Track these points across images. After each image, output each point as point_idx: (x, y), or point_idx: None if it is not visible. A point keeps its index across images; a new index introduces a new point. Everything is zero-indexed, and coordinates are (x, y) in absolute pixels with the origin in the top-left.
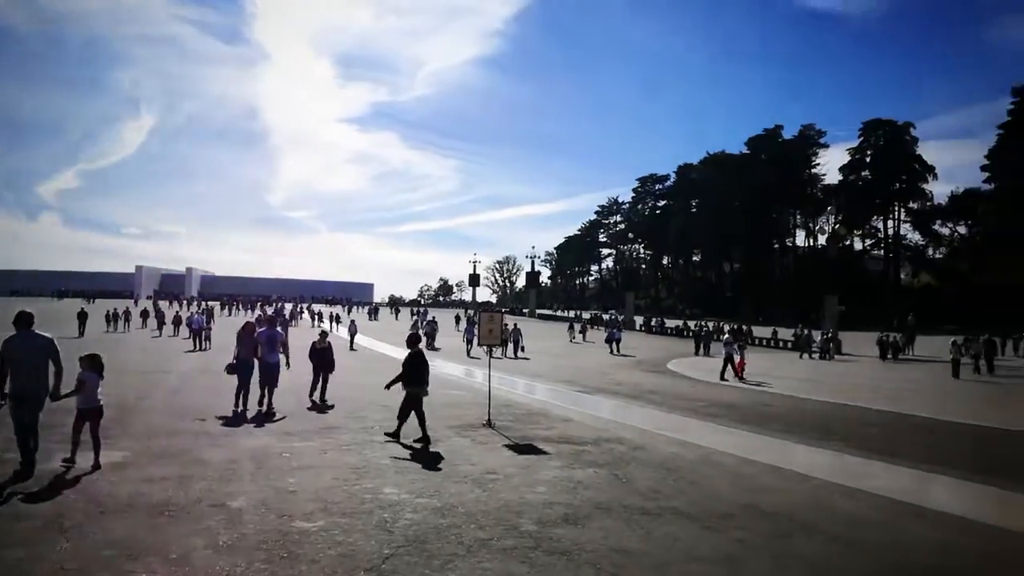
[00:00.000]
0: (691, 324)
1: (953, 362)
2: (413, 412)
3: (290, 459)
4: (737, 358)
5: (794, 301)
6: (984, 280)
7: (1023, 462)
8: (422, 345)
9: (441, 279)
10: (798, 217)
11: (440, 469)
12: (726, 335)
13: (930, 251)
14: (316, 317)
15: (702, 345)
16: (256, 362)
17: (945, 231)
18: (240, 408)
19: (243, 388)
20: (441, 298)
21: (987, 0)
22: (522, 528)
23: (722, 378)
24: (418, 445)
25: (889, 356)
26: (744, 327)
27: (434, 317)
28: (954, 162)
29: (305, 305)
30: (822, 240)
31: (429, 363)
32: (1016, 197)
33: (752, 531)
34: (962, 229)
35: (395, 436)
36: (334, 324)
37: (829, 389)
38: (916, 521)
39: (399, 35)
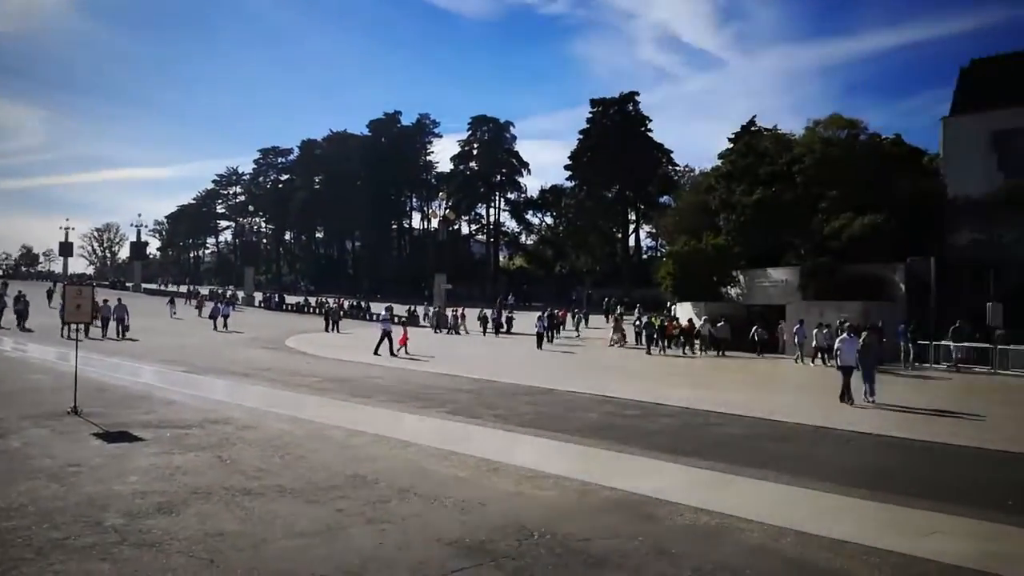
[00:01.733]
0: (311, 300)
1: (537, 336)
2: None
3: None
4: (399, 334)
5: (410, 279)
6: (564, 264)
7: (561, 416)
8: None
9: (24, 247)
10: (415, 200)
11: (7, 466)
12: (383, 312)
13: (523, 237)
14: None
15: (331, 322)
16: None
17: (536, 220)
18: None
19: None
20: (24, 268)
21: (574, 21)
22: (107, 523)
23: (376, 352)
24: None
25: (491, 330)
26: (363, 303)
27: (22, 292)
28: (549, 160)
29: None
30: (435, 223)
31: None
32: (589, 194)
33: (353, 500)
34: (549, 219)
35: None
36: None
37: (450, 361)
38: (494, 475)
39: None
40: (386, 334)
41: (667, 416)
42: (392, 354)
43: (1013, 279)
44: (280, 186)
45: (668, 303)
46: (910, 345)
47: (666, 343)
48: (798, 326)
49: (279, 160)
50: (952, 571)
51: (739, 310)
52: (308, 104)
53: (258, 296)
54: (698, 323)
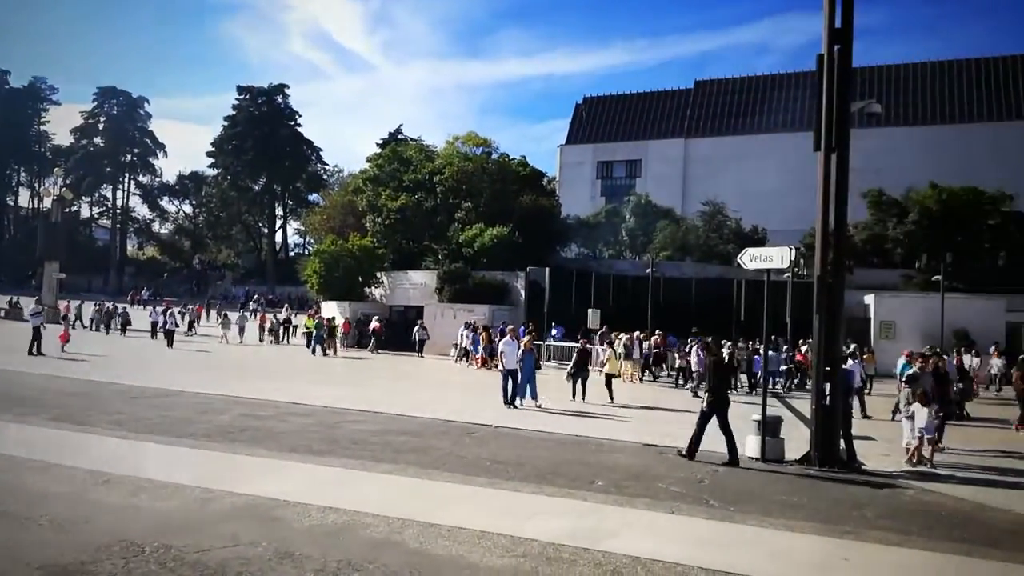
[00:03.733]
0: None
1: (166, 332)
2: None
3: None
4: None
5: (15, 266)
6: (204, 257)
7: (189, 420)
8: None
9: None
10: (23, 174)
11: None
12: (33, 306)
13: (157, 225)
14: None
15: None
16: None
17: (172, 208)
18: None
19: None
20: None
21: (229, 2)
22: None
23: (30, 353)
24: None
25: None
26: None
27: None
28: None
29: None
30: (48, 203)
31: None
32: (233, 184)
33: None
34: (188, 208)
35: None
36: None
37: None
38: (103, 488)
39: None
40: (36, 331)
41: (303, 416)
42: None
43: (610, 288)
44: None
45: (315, 302)
46: None
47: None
48: (463, 329)
49: None
50: (552, 548)
51: (383, 310)
52: None
53: None
54: (375, 323)
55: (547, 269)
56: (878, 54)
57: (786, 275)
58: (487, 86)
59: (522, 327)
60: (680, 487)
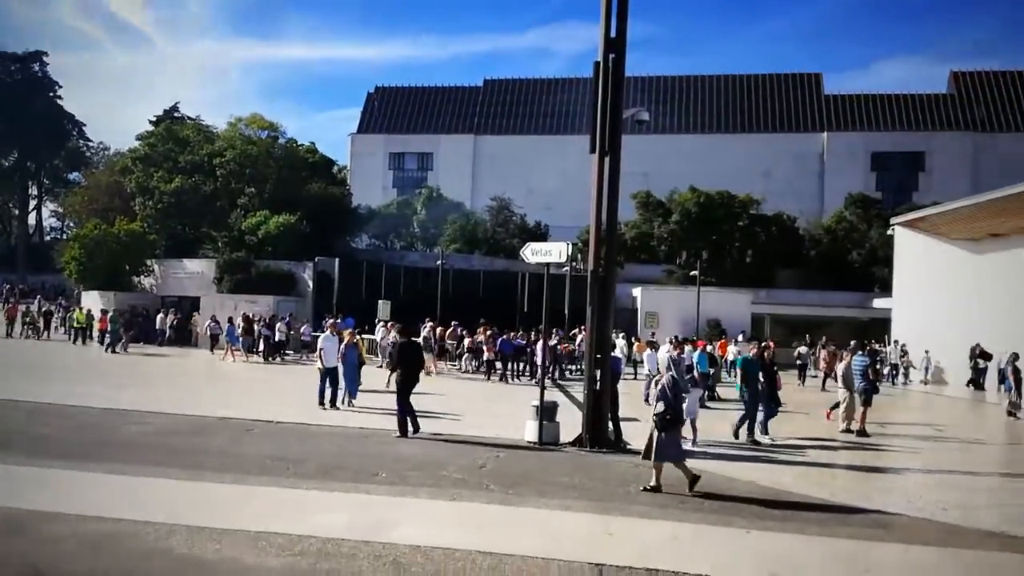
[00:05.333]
0: None
1: None
2: None
3: None
4: None
5: None
6: None
7: None
8: None
9: None
10: None
11: None
12: None
13: None
14: None
15: None
16: None
17: None
18: None
19: None
20: None
21: None
22: None
23: None
24: None
25: None
26: None
27: None
28: None
29: None
30: None
31: None
32: None
33: None
34: None
35: None
36: None
37: None
38: None
39: None
40: None
41: (67, 419)
42: None
43: (401, 279)
44: None
45: (76, 292)
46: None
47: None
48: (220, 321)
49: None
50: (331, 543)
51: (154, 300)
52: None
53: None
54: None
55: (336, 259)
56: (648, 66)
57: (564, 269)
58: (274, 69)
59: (349, 319)
60: (462, 474)
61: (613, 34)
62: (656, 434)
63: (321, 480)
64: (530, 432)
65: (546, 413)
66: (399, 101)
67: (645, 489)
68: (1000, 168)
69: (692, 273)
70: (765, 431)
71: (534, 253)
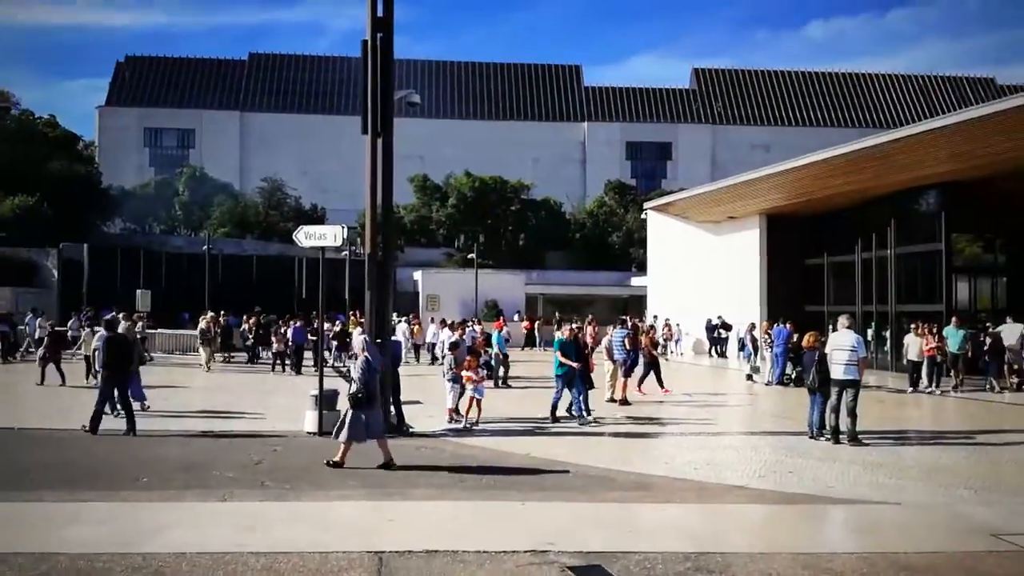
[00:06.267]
0: None
1: None
2: None
3: None
4: None
5: None
6: None
7: None
8: None
9: None
10: None
11: None
12: None
13: None
14: None
15: None
16: None
17: None
18: None
19: None
20: None
21: None
22: None
23: None
24: None
25: None
26: None
27: None
28: None
29: None
30: None
31: None
32: None
33: None
34: None
35: None
36: None
37: None
38: None
39: None
40: None
41: None
42: None
43: (163, 266)
44: None
45: None
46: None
47: None
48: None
49: None
50: (83, 558)
51: None
52: None
53: None
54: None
55: (85, 245)
56: (416, 51)
57: (344, 253)
58: (8, 32)
59: (104, 310)
60: (234, 472)
61: (380, 13)
62: (349, 412)
63: (70, 491)
64: (309, 423)
65: (326, 402)
66: (155, 73)
67: (328, 464)
68: (734, 156)
69: (470, 256)
70: (587, 410)
71: (307, 237)
